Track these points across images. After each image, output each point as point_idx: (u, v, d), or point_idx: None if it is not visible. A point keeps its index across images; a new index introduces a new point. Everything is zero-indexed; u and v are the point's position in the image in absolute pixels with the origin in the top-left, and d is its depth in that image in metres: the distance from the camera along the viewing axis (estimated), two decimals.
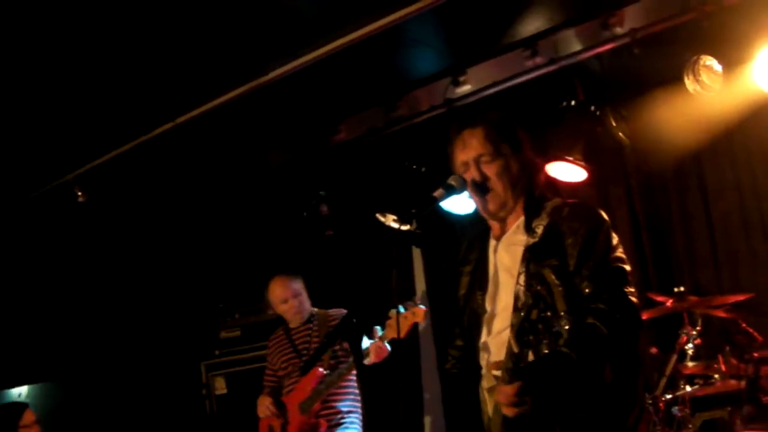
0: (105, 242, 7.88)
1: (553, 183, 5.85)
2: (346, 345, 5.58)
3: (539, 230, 3.26)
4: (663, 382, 5.20)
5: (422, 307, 5.17)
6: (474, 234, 3.65)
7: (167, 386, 8.00)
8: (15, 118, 5.96)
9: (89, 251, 7.90)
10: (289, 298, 5.84)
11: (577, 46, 5.71)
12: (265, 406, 5.74)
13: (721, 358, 5.06)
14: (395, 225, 6.51)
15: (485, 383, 3.33)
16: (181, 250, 8.07)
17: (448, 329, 3.91)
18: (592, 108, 5.84)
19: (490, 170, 3.35)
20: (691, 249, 5.98)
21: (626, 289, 3.13)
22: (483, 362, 3.34)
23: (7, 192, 7.09)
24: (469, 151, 3.37)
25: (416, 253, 7.42)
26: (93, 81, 5.58)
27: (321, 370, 5.55)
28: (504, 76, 5.96)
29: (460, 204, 6.03)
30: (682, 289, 5.31)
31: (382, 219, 6.65)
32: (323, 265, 7.23)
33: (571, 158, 5.82)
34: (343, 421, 5.60)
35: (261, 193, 7.50)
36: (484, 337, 3.35)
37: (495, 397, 3.14)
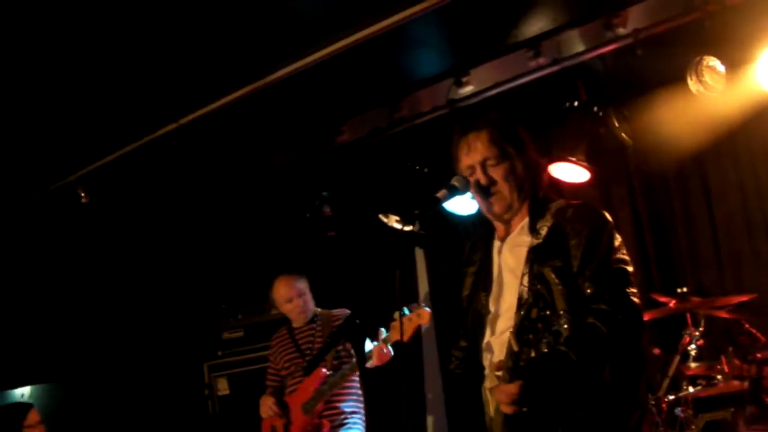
0: (108, 243, 7.88)
1: (556, 183, 5.85)
2: (349, 346, 5.59)
3: (543, 231, 3.26)
4: (666, 382, 5.21)
5: (427, 309, 5.15)
6: (478, 235, 3.66)
7: (170, 387, 8.00)
8: (18, 119, 5.96)
9: (92, 252, 7.90)
10: (293, 297, 5.84)
11: (580, 47, 5.70)
12: (267, 406, 5.74)
13: (724, 359, 5.07)
14: (398, 226, 6.50)
15: (488, 383, 3.33)
16: (183, 251, 8.07)
17: (450, 330, 3.91)
18: (595, 108, 5.83)
19: (497, 173, 3.35)
20: (694, 250, 5.98)
21: (628, 290, 3.13)
22: (486, 362, 3.35)
23: (10, 192, 7.09)
24: (475, 154, 3.37)
25: (419, 254, 7.42)
26: (96, 81, 5.59)
27: (324, 370, 5.55)
28: (507, 77, 5.95)
29: (463, 205, 6.04)
30: (685, 289, 5.32)
31: (385, 220, 6.65)
32: (326, 266, 7.23)
33: (573, 159, 5.82)
34: (346, 421, 5.59)
35: (263, 193, 7.50)
36: (487, 338, 3.36)
37: (494, 395, 3.15)
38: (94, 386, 8.21)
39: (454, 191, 3.37)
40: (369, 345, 5.19)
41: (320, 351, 5.56)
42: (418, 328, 5.34)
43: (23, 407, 5.48)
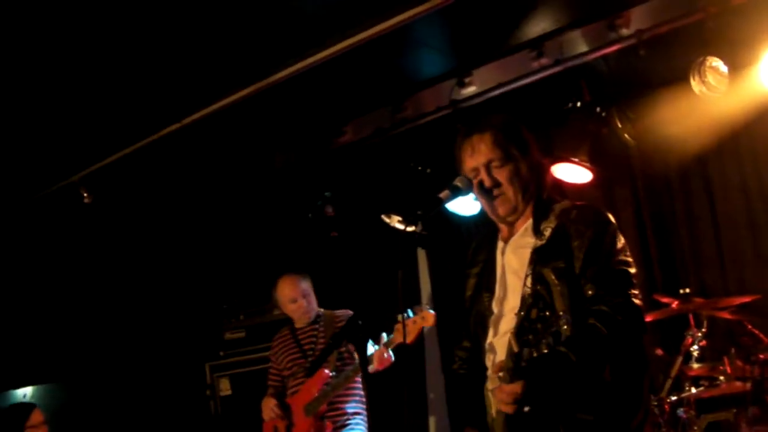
0: (110, 243, 7.88)
1: (558, 184, 5.85)
2: (351, 347, 5.58)
3: (547, 233, 3.27)
4: (668, 383, 5.20)
5: (431, 311, 5.14)
6: (481, 236, 3.66)
7: (172, 387, 8.00)
8: (21, 119, 5.97)
9: (94, 252, 7.91)
10: (298, 297, 5.83)
11: (583, 48, 5.71)
12: (269, 408, 5.73)
13: (726, 360, 5.06)
14: (401, 226, 6.50)
15: (490, 384, 3.33)
16: (185, 251, 8.07)
17: (452, 330, 3.91)
18: (598, 109, 5.83)
19: (501, 175, 3.35)
20: (697, 250, 5.97)
21: (629, 292, 3.14)
22: (489, 363, 3.35)
23: (13, 193, 7.10)
24: (479, 156, 3.37)
25: (421, 255, 7.42)
26: (99, 81, 5.59)
27: (327, 372, 5.54)
28: (510, 78, 5.96)
29: (465, 205, 6.04)
30: (687, 290, 5.31)
31: (387, 220, 6.64)
32: (328, 267, 7.23)
33: (576, 159, 5.82)
34: (348, 422, 5.59)
35: (266, 194, 7.50)
36: (490, 338, 3.36)
37: (495, 395, 3.15)
38: (96, 386, 8.20)
39: (456, 192, 3.38)
40: (370, 349, 5.19)
41: (322, 352, 5.55)
42: (422, 330, 5.34)
43: (26, 407, 5.48)
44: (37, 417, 5.37)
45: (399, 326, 5.13)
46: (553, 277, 3.15)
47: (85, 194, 6.90)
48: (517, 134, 3.42)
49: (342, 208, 7.12)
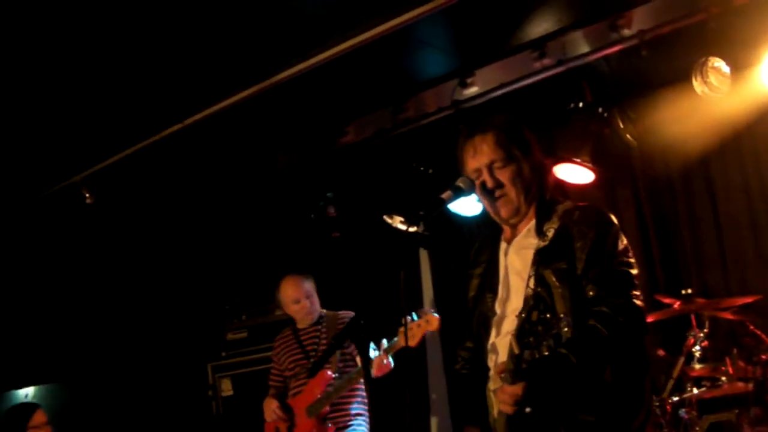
0: (112, 244, 7.89)
1: (561, 185, 5.85)
2: (354, 350, 5.57)
3: (550, 233, 3.27)
4: (670, 384, 5.20)
5: (436, 315, 5.12)
6: (484, 236, 3.66)
7: (173, 387, 8.01)
8: (23, 119, 5.97)
9: (96, 253, 7.92)
10: (301, 298, 5.81)
11: (585, 48, 5.71)
12: (271, 409, 5.71)
13: (728, 361, 5.06)
14: (402, 227, 6.50)
15: (492, 385, 3.33)
16: (188, 252, 8.08)
17: (454, 331, 3.91)
18: (600, 110, 5.83)
19: (504, 176, 3.35)
20: (699, 251, 5.97)
21: (631, 293, 3.13)
22: (491, 364, 3.35)
23: (15, 193, 7.11)
24: (481, 157, 3.36)
25: (423, 255, 7.42)
26: (101, 82, 5.60)
27: (330, 373, 5.53)
28: (512, 78, 5.96)
29: (467, 206, 6.04)
30: (689, 291, 5.31)
31: (389, 221, 6.64)
32: (330, 267, 7.23)
33: (578, 160, 5.82)
34: (351, 423, 5.58)
35: (268, 194, 7.50)
36: (492, 339, 3.36)
37: (497, 395, 3.16)
38: (98, 386, 8.21)
39: (459, 192, 3.37)
40: (372, 353, 5.17)
41: (325, 352, 5.53)
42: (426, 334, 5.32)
43: (29, 408, 5.48)
44: (39, 417, 5.36)
45: (403, 330, 5.11)
46: (554, 279, 3.15)
47: (87, 195, 6.90)
48: (520, 135, 3.41)
49: (344, 209, 7.12)
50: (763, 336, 5.05)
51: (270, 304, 7.17)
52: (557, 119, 6.00)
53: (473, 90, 6.17)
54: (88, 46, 5.11)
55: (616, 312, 3.05)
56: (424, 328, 5.11)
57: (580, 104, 5.83)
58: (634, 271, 3.20)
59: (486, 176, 3.35)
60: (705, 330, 5.23)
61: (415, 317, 5.10)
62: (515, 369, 3.01)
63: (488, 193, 3.36)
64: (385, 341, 5.27)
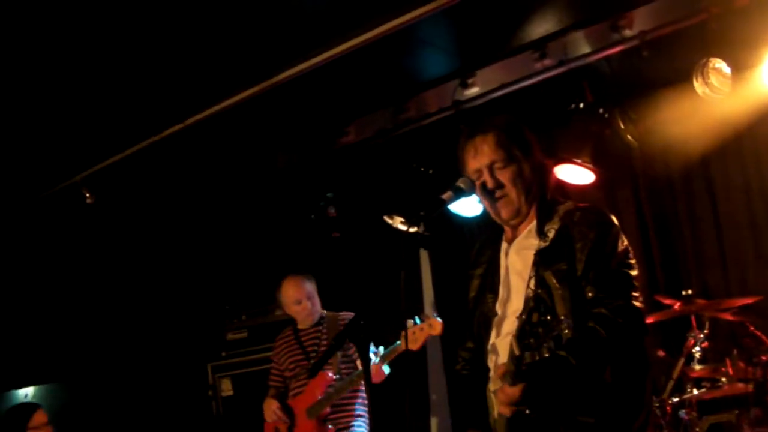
0: (112, 244, 7.89)
1: (561, 185, 5.84)
2: (354, 353, 5.57)
3: (551, 234, 3.26)
4: (670, 385, 5.20)
5: (438, 319, 5.11)
6: (485, 236, 3.65)
7: (173, 387, 8.01)
8: (24, 119, 5.97)
9: (97, 253, 7.91)
10: (302, 299, 5.80)
11: (586, 49, 5.70)
12: (271, 410, 5.70)
13: (728, 362, 5.06)
14: (403, 227, 6.50)
15: (492, 385, 3.33)
16: (188, 252, 8.08)
17: (455, 331, 3.91)
18: (601, 110, 5.82)
19: (504, 176, 3.34)
20: (699, 251, 5.97)
21: (630, 294, 3.13)
22: (491, 364, 3.35)
23: (15, 193, 7.11)
24: (482, 158, 3.36)
25: (424, 256, 7.42)
26: (102, 82, 5.60)
27: (330, 374, 5.53)
28: (513, 78, 5.96)
29: (468, 206, 6.04)
30: (689, 292, 5.32)
31: (389, 221, 6.64)
32: (330, 267, 7.23)
33: (579, 161, 5.82)
34: (351, 424, 5.58)
35: (268, 194, 7.50)
36: (492, 340, 3.36)
37: (497, 396, 3.16)
38: (98, 386, 8.21)
39: (459, 193, 3.37)
40: (373, 357, 5.17)
41: (325, 353, 5.53)
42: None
43: (29, 408, 5.47)
44: (40, 417, 5.36)
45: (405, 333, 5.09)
46: (555, 281, 3.15)
47: (88, 195, 6.90)
48: (520, 135, 3.40)
49: (344, 209, 7.11)
50: (764, 337, 5.05)
51: (270, 304, 7.16)
52: (558, 120, 5.99)
53: (474, 90, 6.17)
54: (88, 46, 5.11)
55: (615, 313, 3.05)
56: (427, 332, 5.10)
57: (581, 105, 5.82)
58: (634, 273, 3.20)
59: (486, 177, 3.35)
60: (705, 331, 5.23)
61: (417, 321, 5.09)
62: (516, 370, 3.01)
63: (489, 194, 3.35)
64: (382, 348, 5.26)
